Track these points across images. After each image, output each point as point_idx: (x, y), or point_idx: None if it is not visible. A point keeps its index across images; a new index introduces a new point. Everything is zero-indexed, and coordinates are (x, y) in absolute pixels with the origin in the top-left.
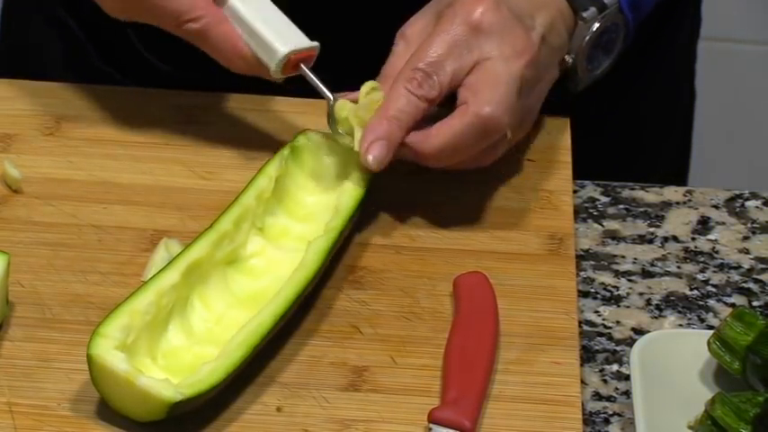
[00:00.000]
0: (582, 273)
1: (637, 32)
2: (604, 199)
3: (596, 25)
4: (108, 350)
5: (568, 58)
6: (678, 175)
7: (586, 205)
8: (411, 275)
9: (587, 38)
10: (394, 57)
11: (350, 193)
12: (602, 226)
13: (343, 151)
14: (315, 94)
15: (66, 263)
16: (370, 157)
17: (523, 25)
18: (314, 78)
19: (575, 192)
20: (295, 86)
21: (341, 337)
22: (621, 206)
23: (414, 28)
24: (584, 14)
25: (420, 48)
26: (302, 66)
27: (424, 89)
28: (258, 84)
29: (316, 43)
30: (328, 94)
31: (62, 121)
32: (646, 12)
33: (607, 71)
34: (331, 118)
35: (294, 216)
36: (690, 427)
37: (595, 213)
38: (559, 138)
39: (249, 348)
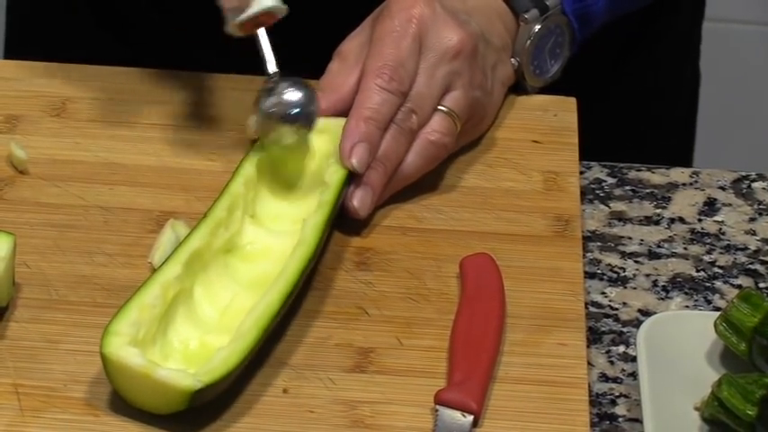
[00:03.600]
0: (588, 254)
1: (635, 15)
2: (611, 180)
3: (537, 27)
4: (121, 346)
5: (514, 61)
6: (683, 158)
7: (593, 186)
8: (417, 257)
9: (530, 40)
10: (329, 74)
11: (337, 165)
12: (609, 207)
13: (327, 130)
14: (317, 75)
15: (73, 244)
16: (354, 161)
17: (458, 20)
18: (267, 46)
19: (581, 173)
20: (300, 67)
21: (347, 318)
22: (628, 187)
23: (349, 45)
24: (526, 15)
25: (373, 49)
26: (258, 31)
27: (396, 81)
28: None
29: (284, 7)
30: (273, 66)
31: (68, 102)
32: (598, 23)
33: (557, 77)
34: (262, 94)
35: (286, 198)
36: (696, 409)
37: (602, 195)
38: (566, 119)
39: (261, 329)
